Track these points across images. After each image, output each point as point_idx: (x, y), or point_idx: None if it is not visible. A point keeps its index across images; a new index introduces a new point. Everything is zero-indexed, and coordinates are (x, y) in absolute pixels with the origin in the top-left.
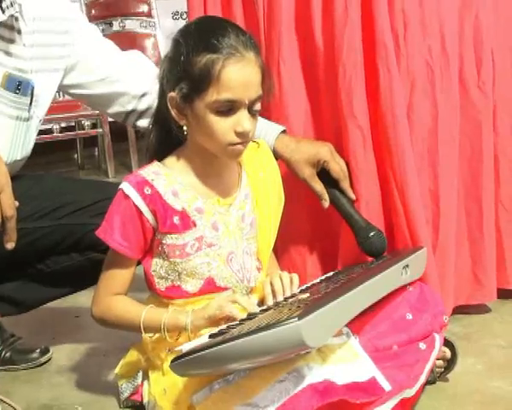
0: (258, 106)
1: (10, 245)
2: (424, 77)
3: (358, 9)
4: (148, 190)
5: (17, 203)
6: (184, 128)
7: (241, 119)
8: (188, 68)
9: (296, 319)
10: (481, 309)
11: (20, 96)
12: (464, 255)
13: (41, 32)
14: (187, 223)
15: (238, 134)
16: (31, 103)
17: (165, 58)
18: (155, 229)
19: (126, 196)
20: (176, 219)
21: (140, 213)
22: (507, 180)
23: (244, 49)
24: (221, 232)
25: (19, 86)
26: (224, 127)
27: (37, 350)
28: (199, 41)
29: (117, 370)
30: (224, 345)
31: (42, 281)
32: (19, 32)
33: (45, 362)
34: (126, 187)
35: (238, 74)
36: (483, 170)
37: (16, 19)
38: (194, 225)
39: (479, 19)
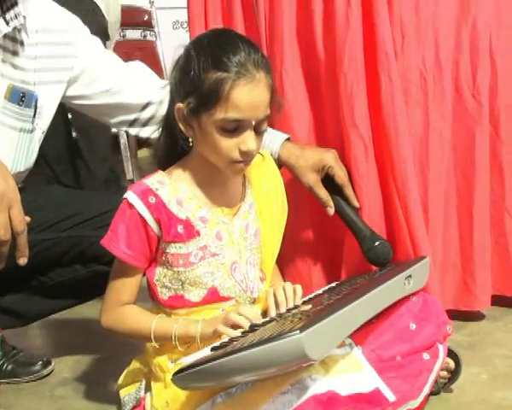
0: (264, 126)
1: (23, 260)
2: (417, 86)
3: (360, 18)
4: (152, 199)
5: (28, 219)
6: (190, 139)
7: (247, 138)
8: (197, 83)
9: (298, 331)
10: (476, 316)
11: (23, 108)
12: (454, 262)
13: (44, 44)
14: (191, 232)
15: (242, 153)
16: (34, 115)
17: (177, 65)
18: (160, 238)
19: (131, 206)
20: (180, 228)
21: (144, 222)
22: None
23: (254, 69)
24: (225, 242)
25: (22, 98)
26: (229, 145)
27: (39, 362)
28: (210, 57)
29: (119, 381)
30: (226, 358)
31: (45, 293)
32: (22, 43)
33: (47, 374)
34: (131, 196)
35: (247, 96)
36: (475, 178)
37: (19, 31)
38: (198, 235)
39: (476, 27)
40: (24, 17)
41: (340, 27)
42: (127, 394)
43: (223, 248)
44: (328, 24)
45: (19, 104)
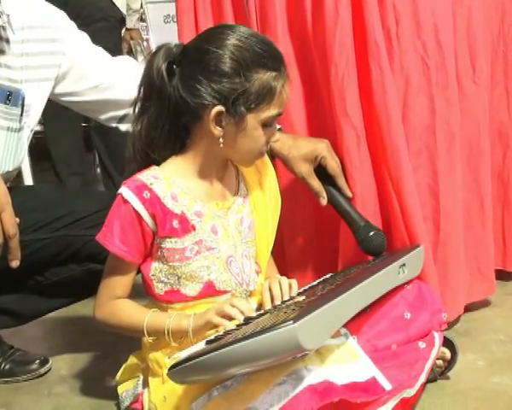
0: None
1: (15, 263)
2: (419, 73)
3: (349, 8)
4: (147, 194)
5: (17, 220)
6: (220, 140)
7: (275, 130)
8: (245, 84)
9: (291, 322)
10: (482, 304)
11: (10, 107)
12: (467, 251)
13: (30, 42)
14: (186, 227)
15: (268, 144)
16: (21, 114)
17: (203, 68)
18: (155, 233)
19: (125, 201)
20: (175, 223)
21: (139, 217)
22: None
23: (284, 64)
24: (220, 236)
25: (9, 97)
26: (264, 139)
27: (37, 361)
28: (254, 56)
29: (117, 377)
30: (220, 351)
31: (40, 293)
32: (7, 41)
33: (45, 373)
34: (125, 192)
35: (287, 90)
36: (481, 164)
37: (4, 28)
38: (194, 229)
39: (471, 13)
40: (7, 15)
41: (329, 17)
42: (125, 390)
43: (218, 242)
44: (318, 14)
45: (5, 103)
